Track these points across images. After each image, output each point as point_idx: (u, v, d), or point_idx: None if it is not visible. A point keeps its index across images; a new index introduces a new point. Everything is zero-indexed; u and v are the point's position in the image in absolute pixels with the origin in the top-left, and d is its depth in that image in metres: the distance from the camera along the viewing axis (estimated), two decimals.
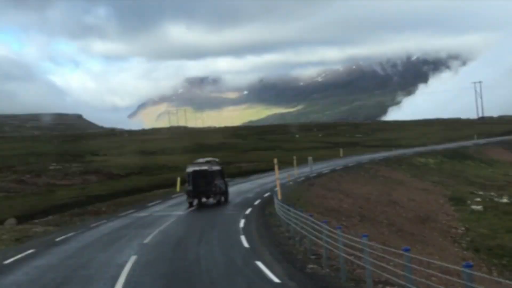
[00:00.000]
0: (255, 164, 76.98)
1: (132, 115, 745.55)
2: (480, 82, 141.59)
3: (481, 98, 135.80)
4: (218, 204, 40.19)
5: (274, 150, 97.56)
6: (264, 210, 34.70)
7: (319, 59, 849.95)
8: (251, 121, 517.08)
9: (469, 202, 46.07)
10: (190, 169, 39.24)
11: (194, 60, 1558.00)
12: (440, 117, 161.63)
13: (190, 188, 38.59)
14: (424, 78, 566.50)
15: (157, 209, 41.02)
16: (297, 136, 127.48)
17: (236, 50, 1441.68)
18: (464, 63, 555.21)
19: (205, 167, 39.06)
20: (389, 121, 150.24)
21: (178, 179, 53.18)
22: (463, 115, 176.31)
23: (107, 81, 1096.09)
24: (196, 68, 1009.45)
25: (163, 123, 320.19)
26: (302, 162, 57.91)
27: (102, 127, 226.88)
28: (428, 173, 62.04)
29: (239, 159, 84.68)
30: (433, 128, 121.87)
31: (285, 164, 71.45)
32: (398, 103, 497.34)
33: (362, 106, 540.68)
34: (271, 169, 66.07)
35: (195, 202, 39.42)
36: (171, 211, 38.09)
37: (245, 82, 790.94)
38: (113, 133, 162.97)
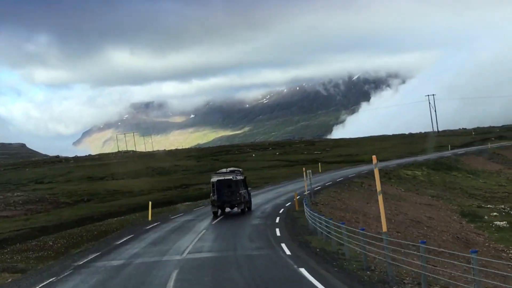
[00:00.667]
0: None
1: (77, 142, 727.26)
2: (433, 94, 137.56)
3: (435, 111, 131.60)
4: (242, 213, 39.30)
5: None
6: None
7: (263, 81, 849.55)
8: (198, 144, 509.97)
9: (486, 217, 40.55)
10: (214, 178, 38.83)
11: (138, 85, 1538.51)
12: (397, 132, 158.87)
13: (214, 197, 38.19)
14: (366, 97, 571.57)
15: (134, 249, 27.59)
16: (253, 155, 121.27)
17: (181, 74, 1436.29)
18: (403, 81, 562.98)
19: (229, 177, 38.60)
20: (345, 138, 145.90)
21: (150, 204, 43.44)
22: (407, 130, 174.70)
23: (51, 109, 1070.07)
24: (141, 93, 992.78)
25: (110, 149, 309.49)
26: (269, 180, 52.06)
27: (46, 155, 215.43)
28: (422, 186, 57.02)
29: (197, 181, 77.88)
30: (390, 142, 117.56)
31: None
32: (342, 121, 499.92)
33: (307, 126, 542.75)
34: None
35: (219, 212, 39.34)
36: (159, 255, 25.04)
37: (191, 106, 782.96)
38: (58, 160, 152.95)
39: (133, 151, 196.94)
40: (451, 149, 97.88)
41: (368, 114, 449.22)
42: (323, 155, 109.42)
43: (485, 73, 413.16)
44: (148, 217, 42.46)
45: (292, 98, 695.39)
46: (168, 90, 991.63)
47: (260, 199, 48.82)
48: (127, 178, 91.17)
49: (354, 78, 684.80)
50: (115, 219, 47.56)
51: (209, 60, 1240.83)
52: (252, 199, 43.23)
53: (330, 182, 56.66)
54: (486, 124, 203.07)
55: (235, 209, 39.92)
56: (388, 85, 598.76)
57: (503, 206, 45.06)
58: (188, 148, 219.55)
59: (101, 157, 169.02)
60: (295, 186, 55.09)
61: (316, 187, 50.73)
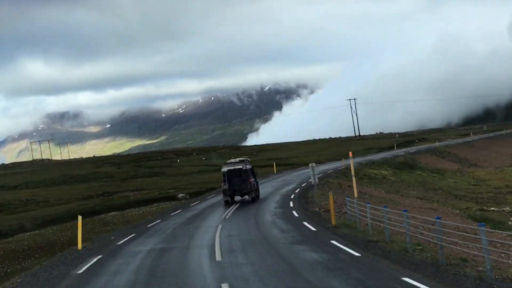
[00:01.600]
0: (145, 192, 60.64)
1: None
2: (354, 99, 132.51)
3: (357, 115, 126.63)
4: (253, 201, 37.85)
5: (159, 176, 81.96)
6: None
7: (179, 91, 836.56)
8: (115, 153, 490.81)
9: (510, 223, 33.36)
10: (225, 168, 38.01)
11: (53, 95, 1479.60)
12: (324, 137, 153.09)
13: (226, 187, 37.38)
14: (278, 106, 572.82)
15: None
16: (178, 161, 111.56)
17: (96, 84, 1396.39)
18: (312, 91, 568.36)
19: (239, 166, 37.87)
20: (272, 143, 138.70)
21: (80, 225, 25.88)
22: (317, 136, 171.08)
23: None
24: (56, 103, 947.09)
25: (25, 159, 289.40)
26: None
27: None
28: (399, 186, 49.13)
29: (121, 188, 67.93)
30: (316, 146, 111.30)
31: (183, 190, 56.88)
32: (256, 129, 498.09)
33: (223, 135, 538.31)
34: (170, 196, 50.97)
35: (231, 200, 38.31)
36: None
37: (107, 116, 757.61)
38: None
39: (48, 159, 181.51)
40: (398, 148, 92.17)
41: (281, 122, 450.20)
42: (252, 159, 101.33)
43: (388, 82, 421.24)
44: (77, 244, 25.67)
45: (208, 108, 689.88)
46: (83, 100, 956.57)
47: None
48: (42, 186, 79.70)
49: (266, 89, 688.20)
50: (28, 234, 37.36)
51: (124, 70, 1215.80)
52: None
53: (297, 184, 49.38)
54: (387, 130, 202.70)
55: (246, 197, 38.99)
56: (298, 95, 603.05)
57: (509, 208, 37.99)
58: (107, 156, 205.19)
59: (15, 165, 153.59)
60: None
61: (284, 191, 44.06)
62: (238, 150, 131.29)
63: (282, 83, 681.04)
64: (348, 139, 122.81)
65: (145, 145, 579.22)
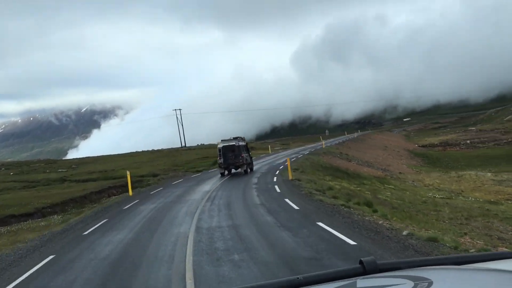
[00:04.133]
0: None
1: None
2: (180, 109, 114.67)
3: (182, 125, 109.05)
4: (245, 173, 37.09)
5: None
6: None
7: None
8: None
9: None
10: (220, 145, 37.85)
11: None
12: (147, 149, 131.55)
13: (221, 161, 37.18)
14: (97, 125, 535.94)
15: None
16: None
17: None
18: (127, 111, 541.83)
19: (233, 143, 37.29)
20: (93, 156, 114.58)
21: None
22: (134, 149, 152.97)
23: None
24: None
25: None
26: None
27: None
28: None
29: None
30: (143, 157, 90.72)
31: None
32: (76, 146, 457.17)
33: (42, 152, 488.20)
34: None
35: (226, 172, 37.72)
36: None
37: None
38: None
39: None
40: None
41: (100, 138, 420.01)
42: (71, 172, 78.23)
43: (196, 104, 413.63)
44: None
45: (27, 127, 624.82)
46: None
47: None
48: None
49: (83, 110, 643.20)
50: None
51: None
52: None
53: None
54: (199, 143, 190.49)
55: (239, 169, 38.08)
56: (115, 115, 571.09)
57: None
58: None
59: None
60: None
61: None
62: (55, 163, 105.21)
63: (98, 104, 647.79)
64: (175, 149, 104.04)
65: None
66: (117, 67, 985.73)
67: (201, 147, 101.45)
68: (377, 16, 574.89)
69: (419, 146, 56.27)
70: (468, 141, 56.69)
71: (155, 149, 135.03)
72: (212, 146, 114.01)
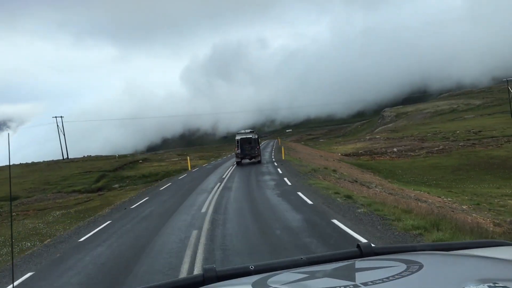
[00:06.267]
0: None
1: None
2: (62, 117, 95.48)
3: (64, 135, 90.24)
4: (259, 163, 36.38)
5: None
6: None
7: None
8: None
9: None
10: (238, 137, 36.94)
11: None
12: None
13: (238, 151, 36.72)
14: None
15: None
16: None
17: None
18: (21, 123, 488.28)
19: (250, 136, 36.64)
20: None
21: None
22: (24, 161, 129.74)
23: None
24: None
25: None
26: None
27: None
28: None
29: None
30: (15, 171, 71.18)
31: None
32: None
33: None
34: None
35: (241, 161, 37.00)
36: None
37: None
38: None
39: None
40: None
41: None
42: None
43: (88, 116, 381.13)
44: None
45: None
46: None
47: None
48: None
49: None
50: None
51: None
52: None
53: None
54: (92, 154, 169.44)
55: (253, 159, 37.16)
56: (8, 127, 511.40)
57: None
58: None
59: None
60: None
61: None
62: None
63: None
64: (55, 162, 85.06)
65: None
66: (6, 81, 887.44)
67: (86, 159, 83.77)
68: (258, 39, 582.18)
69: (342, 155, 46.69)
70: (395, 149, 47.93)
71: (36, 161, 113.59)
72: (101, 158, 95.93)
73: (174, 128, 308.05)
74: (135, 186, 42.14)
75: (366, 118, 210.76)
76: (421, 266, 1.30)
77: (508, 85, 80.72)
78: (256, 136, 37.55)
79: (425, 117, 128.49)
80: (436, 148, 46.34)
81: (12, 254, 2.45)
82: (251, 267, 1.57)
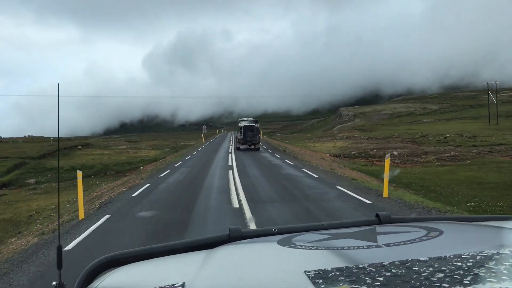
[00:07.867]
0: None
1: None
2: None
3: None
4: (257, 150, 35.05)
5: None
6: None
7: None
8: None
9: None
10: (242, 124, 35.38)
11: None
12: None
13: (241, 137, 35.37)
14: None
15: None
16: None
17: None
18: None
19: (253, 124, 35.20)
20: None
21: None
22: None
23: None
24: None
25: None
26: None
27: None
28: None
29: None
30: None
31: None
32: None
33: None
34: None
35: (242, 147, 36.01)
36: None
37: None
38: None
39: None
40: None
41: None
42: None
43: (43, 97, 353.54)
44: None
45: None
46: None
47: None
48: None
49: None
50: None
51: None
52: None
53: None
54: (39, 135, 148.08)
55: (253, 146, 35.83)
56: None
57: None
58: None
59: None
60: None
61: None
62: None
63: None
64: None
65: None
66: None
67: (16, 140, 65.60)
68: (224, 31, 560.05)
69: (331, 155, 33.53)
70: (396, 152, 34.44)
71: None
72: (36, 140, 76.54)
73: (133, 113, 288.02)
74: (54, 185, 30.31)
75: (320, 116, 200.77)
76: (441, 233, 1.26)
77: (488, 89, 70.83)
78: (258, 125, 36.43)
79: (383, 118, 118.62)
80: (447, 155, 33.53)
81: None
82: (274, 229, 1.53)
